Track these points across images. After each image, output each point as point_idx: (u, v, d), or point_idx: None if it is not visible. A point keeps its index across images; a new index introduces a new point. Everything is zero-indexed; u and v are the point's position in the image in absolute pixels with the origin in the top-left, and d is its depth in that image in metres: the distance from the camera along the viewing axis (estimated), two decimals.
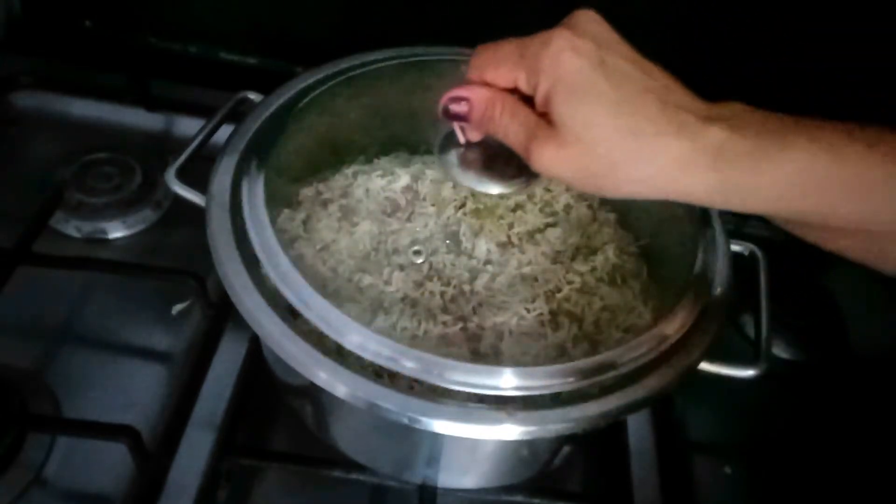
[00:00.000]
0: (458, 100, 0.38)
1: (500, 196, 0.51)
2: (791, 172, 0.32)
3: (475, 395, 0.40)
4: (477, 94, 0.37)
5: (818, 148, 0.32)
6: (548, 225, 0.52)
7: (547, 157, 0.34)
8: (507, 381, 0.37)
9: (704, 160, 0.32)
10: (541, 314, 0.47)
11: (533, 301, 0.47)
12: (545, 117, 0.35)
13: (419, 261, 0.48)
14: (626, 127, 0.33)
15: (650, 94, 0.33)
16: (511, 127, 0.36)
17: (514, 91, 0.37)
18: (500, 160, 0.40)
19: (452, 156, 0.41)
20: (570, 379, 0.37)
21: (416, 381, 0.41)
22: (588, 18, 0.35)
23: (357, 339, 0.37)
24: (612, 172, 0.34)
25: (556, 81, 0.34)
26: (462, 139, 0.41)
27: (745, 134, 0.33)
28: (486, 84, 0.37)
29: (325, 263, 0.48)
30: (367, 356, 0.37)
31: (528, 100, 0.36)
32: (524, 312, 0.47)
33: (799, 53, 0.63)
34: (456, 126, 0.40)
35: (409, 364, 0.37)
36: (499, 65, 0.36)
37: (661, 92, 0.34)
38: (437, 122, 0.39)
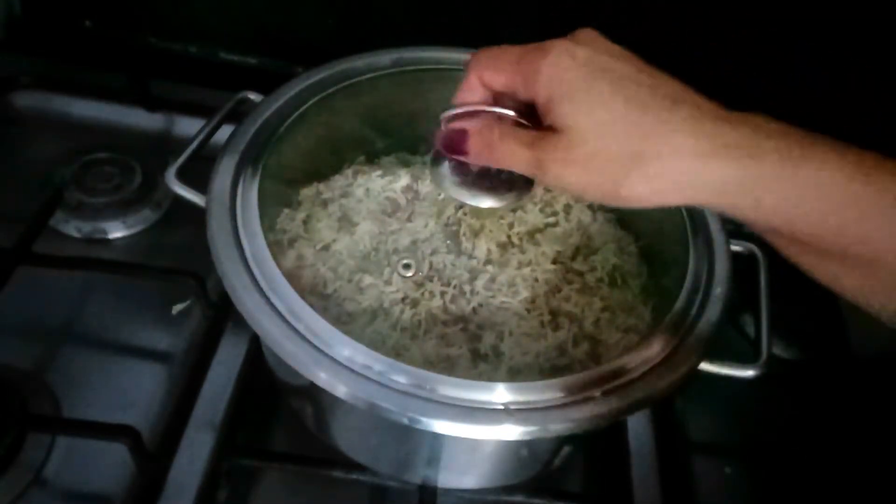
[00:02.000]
0: (455, 133, 0.37)
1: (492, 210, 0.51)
2: (817, 181, 0.30)
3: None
4: (472, 125, 0.37)
5: (848, 164, 0.30)
6: (548, 225, 0.52)
7: (557, 168, 0.33)
8: (499, 396, 0.37)
9: (719, 158, 0.31)
10: (541, 314, 0.47)
11: (533, 301, 0.47)
12: (549, 129, 0.34)
13: (409, 274, 0.47)
14: (638, 125, 0.32)
15: (659, 94, 0.32)
16: (515, 148, 0.35)
17: (511, 99, 0.36)
18: (492, 174, 0.40)
19: (445, 168, 0.41)
20: (563, 394, 0.37)
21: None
22: (588, 33, 0.35)
23: (347, 352, 0.37)
24: (626, 173, 0.32)
25: (555, 88, 0.33)
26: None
27: (768, 135, 0.31)
28: (485, 85, 0.37)
29: (326, 263, 0.48)
30: (358, 369, 0.37)
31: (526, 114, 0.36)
32: (524, 312, 0.47)
33: (807, 70, 0.63)
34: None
35: (400, 378, 0.37)
36: (498, 69, 0.36)
37: (672, 93, 0.33)
38: (435, 122, 0.39)
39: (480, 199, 0.41)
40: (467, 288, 0.47)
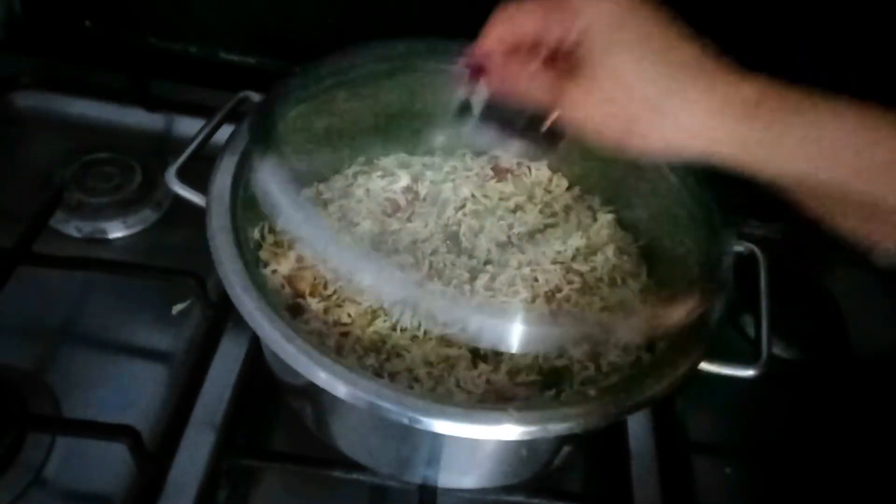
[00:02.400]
0: (481, 55, 0.37)
1: (518, 162, 0.52)
2: (826, 133, 0.32)
3: (476, 394, 0.41)
4: (500, 46, 0.37)
5: (845, 118, 0.32)
6: (548, 225, 0.52)
7: (577, 101, 0.34)
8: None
9: (736, 112, 0.32)
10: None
11: (533, 301, 0.47)
12: (575, 62, 0.34)
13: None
14: (663, 73, 0.33)
15: (686, 46, 0.34)
16: (537, 74, 0.35)
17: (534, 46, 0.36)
18: (518, 125, 0.39)
19: (470, 120, 0.40)
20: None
21: (416, 380, 0.41)
22: None
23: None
24: (644, 118, 0.33)
25: (591, 22, 0.34)
26: (485, 93, 0.40)
27: (781, 92, 0.33)
28: (504, 38, 0.37)
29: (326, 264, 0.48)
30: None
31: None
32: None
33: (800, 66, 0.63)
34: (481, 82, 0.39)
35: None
36: (528, 12, 0.36)
37: (691, 50, 0.34)
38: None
39: (506, 145, 0.40)
40: (467, 288, 0.47)
